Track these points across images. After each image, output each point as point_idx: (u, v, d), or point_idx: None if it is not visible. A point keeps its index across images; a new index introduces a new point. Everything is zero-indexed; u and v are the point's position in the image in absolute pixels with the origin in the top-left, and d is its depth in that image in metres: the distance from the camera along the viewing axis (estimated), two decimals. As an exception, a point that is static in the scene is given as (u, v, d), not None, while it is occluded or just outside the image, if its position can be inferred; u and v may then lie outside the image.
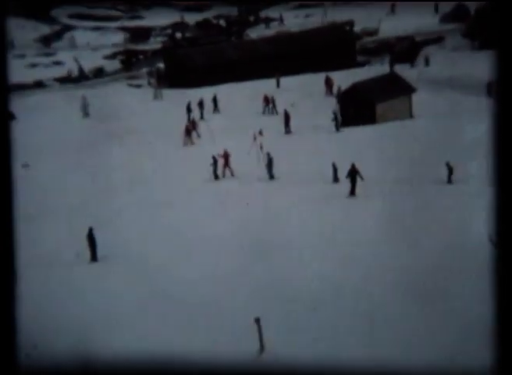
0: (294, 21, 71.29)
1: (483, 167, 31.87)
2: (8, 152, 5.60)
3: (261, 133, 40.91)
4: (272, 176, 33.52)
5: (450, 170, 30.28)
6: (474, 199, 27.63)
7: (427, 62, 53.18)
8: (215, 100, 47.40)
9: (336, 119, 41.37)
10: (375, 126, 41.29)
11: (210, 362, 17.65)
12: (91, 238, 24.73)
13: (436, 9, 66.30)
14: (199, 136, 42.35)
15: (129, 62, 64.60)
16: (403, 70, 49.50)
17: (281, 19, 71.74)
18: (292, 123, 42.10)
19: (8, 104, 5.71)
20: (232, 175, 34.12)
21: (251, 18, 75.24)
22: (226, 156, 34.27)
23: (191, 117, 44.67)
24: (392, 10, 69.34)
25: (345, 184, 30.27)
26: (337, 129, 41.34)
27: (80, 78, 60.24)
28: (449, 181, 30.42)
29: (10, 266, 5.41)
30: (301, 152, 36.46)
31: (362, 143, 37.50)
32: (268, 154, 33.82)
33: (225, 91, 49.36)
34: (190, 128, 41.32)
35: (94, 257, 24.81)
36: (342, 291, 21.04)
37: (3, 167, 5.58)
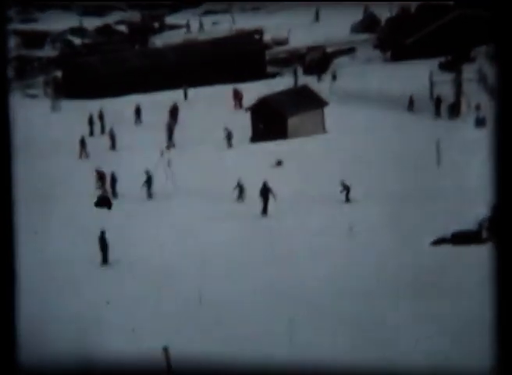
0: (201, 28, 72.01)
1: (386, 184, 33.46)
2: (8, 151, 6.07)
3: (168, 148, 41.49)
4: (150, 195, 34.11)
5: (347, 189, 31.69)
6: (369, 218, 29.10)
7: (334, 77, 54.21)
8: (138, 111, 47.63)
9: (229, 135, 42.03)
10: (284, 142, 42.38)
11: (210, 363, 18.30)
12: (103, 241, 26.32)
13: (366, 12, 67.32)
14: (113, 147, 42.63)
15: (23, 69, 63.89)
16: (313, 83, 50.91)
17: (187, 26, 72.26)
18: (187, 136, 42.69)
19: (8, 104, 6.15)
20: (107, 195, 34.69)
21: (156, 24, 75.59)
22: (102, 176, 34.94)
23: (105, 129, 45.15)
24: (317, 18, 70.33)
25: (253, 203, 31.07)
26: (229, 145, 41.99)
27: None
28: (347, 200, 31.87)
29: (10, 265, 5.84)
30: (190, 169, 36.83)
31: (260, 159, 38.47)
32: (148, 172, 34.32)
33: (132, 102, 49.60)
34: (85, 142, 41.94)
35: (105, 260, 26.40)
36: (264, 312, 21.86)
37: (3, 166, 6.03)
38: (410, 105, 47.63)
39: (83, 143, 41.79)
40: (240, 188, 32.72)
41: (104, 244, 26.40)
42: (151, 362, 18.48)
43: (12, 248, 6.04)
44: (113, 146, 42.97)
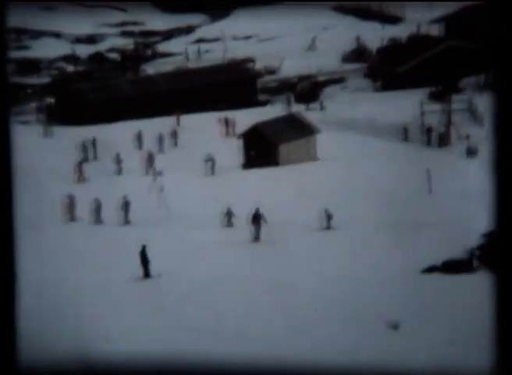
0: (193, 56, 72.39)
1: (376, 212, 33.56)
2: (8, 155, 6.12)
3: (160, 173, 41.58)
4: (127, 221, 34.11)
5: (328, 217, 32.03)
6: (349, 245, 29.22)
7: (322, 107, 54.39)
8: (139, 137, 47.74)
9: (210, 160, 41.98)
10: (275, 169, 42.54)
11: (210, 363, 18.23)
12: (144, 255, 26.77)
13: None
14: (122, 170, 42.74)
15: (15, 96, 64.05)
16: (303, 111, 51.23)
17: (186, 54, 72.25)
18: (178, 162, 42.79)
19: (9, 109, 6.21)
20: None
21: (148, 52, 76.02)
22: (71, 200, 35.21)
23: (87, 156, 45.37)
24: (313, 45, 70.59)
25: (243, 229, 31.07)
26: (212, 172, 41.96)
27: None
28: (328, 227, 32.13)
29: (10, 265, 5.87)
30: (179, 195, 36.78)
31: (250, 186, 38.63)
32: (125, 197, 34.33)
33: (125, 129, 49.80)
34: (80, 165, 42.40)
35: (147, 274, 26.84)
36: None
37: (2, 172, 6.09)
38: (405, 135, 47.64)
39: (80, 167, 42.02)
40: (229, 215, 32.82)
41: (145, 258, 26.79)
42: (151, 362, 18.43)
43: (12, 253, 6.07)
44: (119, 171, 43.01)
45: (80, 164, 42.58)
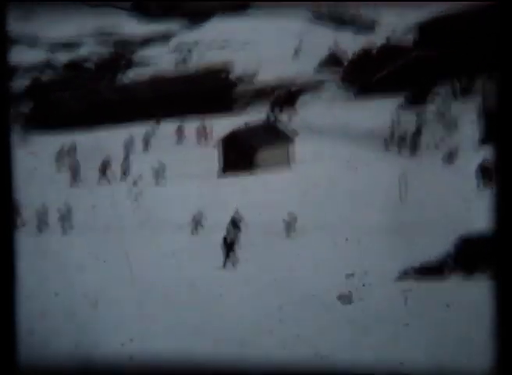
0: (171, 64, 72.50)
1: (347, 217, 33.94)
2: (8, 152, 6.32)
3: (140, 177, 41.80)
4: (65, 230, 33.83)
5: (288, 224, 32.52)
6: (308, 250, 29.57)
7: (290, 117, 54.67)
8: (146, 140, 48.09)
9: (159, 169, 42.30)
10: (247, 175, 42.92)
11: (209, 363, 18.36)
12: (226, 245, 28.54)
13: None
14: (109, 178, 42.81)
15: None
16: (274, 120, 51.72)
17: (184, 60, 71.96)
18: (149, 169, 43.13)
19: (8, 106, 6.41)
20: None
21: (124, 60, 76.02)
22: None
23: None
24: (296, 52, 70.91)
25: (214, 235, 31.34)
26: (157, 182, 42.04)
27: None
28: (290, 234, 32.44)
29: (10, 265, 6.03)
30: (151, 202, 37.15)
31: (223, 192, 38.96)
32: (66, 203, 34.47)
33: (103, 136, 50.08)
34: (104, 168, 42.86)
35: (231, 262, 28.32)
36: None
37: (3, 170, 6.27)
38: (386, 144, 47.96)
39: (74, 171, 42.85)
40: (196, 221, 33.06)
41: (228, 248, 28.45)
42: (152, 362, 18.56)
43: (11, 251, 6.25)
44: (124, 173, 43.24)
45: (74, 168, 43.04)
